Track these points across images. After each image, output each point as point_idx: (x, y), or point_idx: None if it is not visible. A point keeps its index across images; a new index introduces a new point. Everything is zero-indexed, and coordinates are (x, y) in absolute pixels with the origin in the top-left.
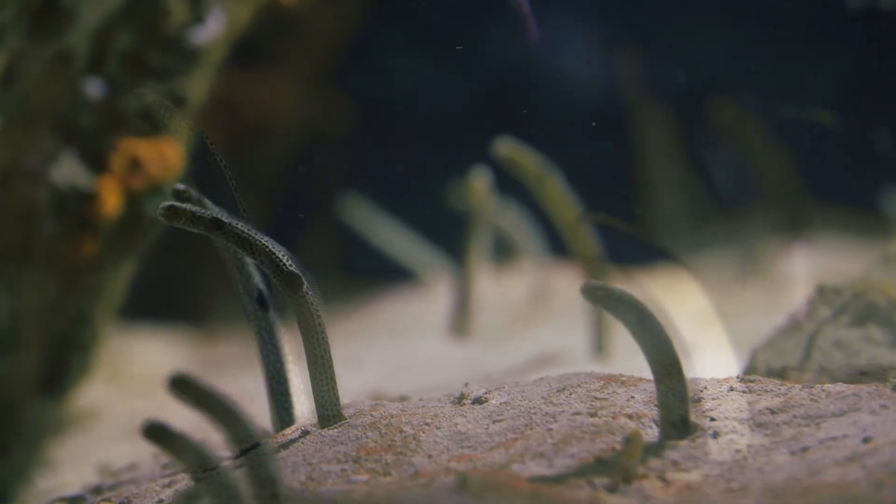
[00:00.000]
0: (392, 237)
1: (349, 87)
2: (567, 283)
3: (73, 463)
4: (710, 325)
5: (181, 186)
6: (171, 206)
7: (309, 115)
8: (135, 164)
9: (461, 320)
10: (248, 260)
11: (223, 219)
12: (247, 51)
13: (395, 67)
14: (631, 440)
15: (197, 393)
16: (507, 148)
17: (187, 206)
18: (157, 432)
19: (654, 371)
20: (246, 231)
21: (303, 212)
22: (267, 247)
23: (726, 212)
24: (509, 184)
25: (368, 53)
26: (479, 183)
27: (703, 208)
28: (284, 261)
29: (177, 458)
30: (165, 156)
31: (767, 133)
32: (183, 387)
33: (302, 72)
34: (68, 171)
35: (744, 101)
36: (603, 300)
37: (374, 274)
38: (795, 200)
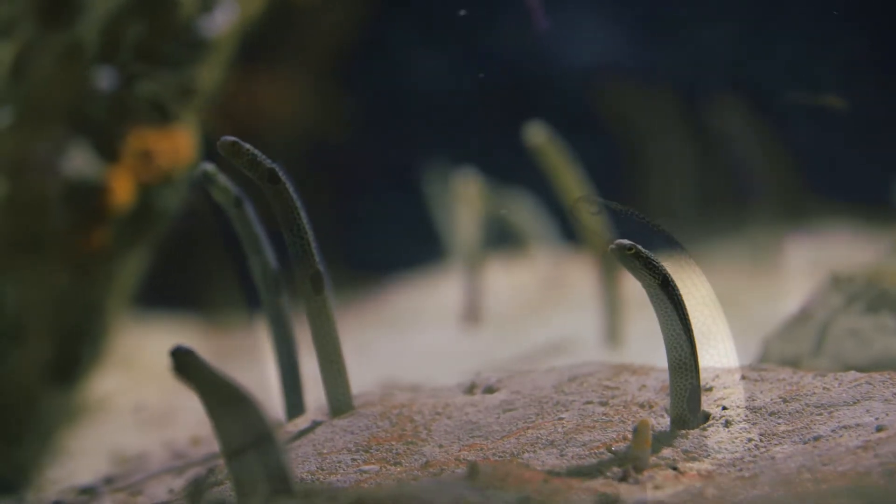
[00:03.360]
0: (453, 217)
1: (354, 84)
2: (580, 273)
3: (85, 452)
4: (715, 315)
5: (209, 166)
6: (234, 143)
7: (312, 112)
8: (146, 156)
9: (473, 309)
10: (266, 245)
11: (280, 174)
12: (248, 50)
13: (400, 62)
14: (639, 430)
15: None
16: (536, 135)
17: (249, 146)
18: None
19: (667, 342)
20: (295, 201)
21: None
22: (308, 231)
23: (734, 203)
24: (522, 173)
25: (374, 49)
26: (469, 187)
27: (711, 199)
28: (316, 256)
29: (202, 393)
30: (177, 147)
31: (768, 130)
32: (186, 364)
33: (305, 70)
34: (79, 162)
35: (747, 97)
36: (629, 261)
37: (375, 269)
38: (794, 195)
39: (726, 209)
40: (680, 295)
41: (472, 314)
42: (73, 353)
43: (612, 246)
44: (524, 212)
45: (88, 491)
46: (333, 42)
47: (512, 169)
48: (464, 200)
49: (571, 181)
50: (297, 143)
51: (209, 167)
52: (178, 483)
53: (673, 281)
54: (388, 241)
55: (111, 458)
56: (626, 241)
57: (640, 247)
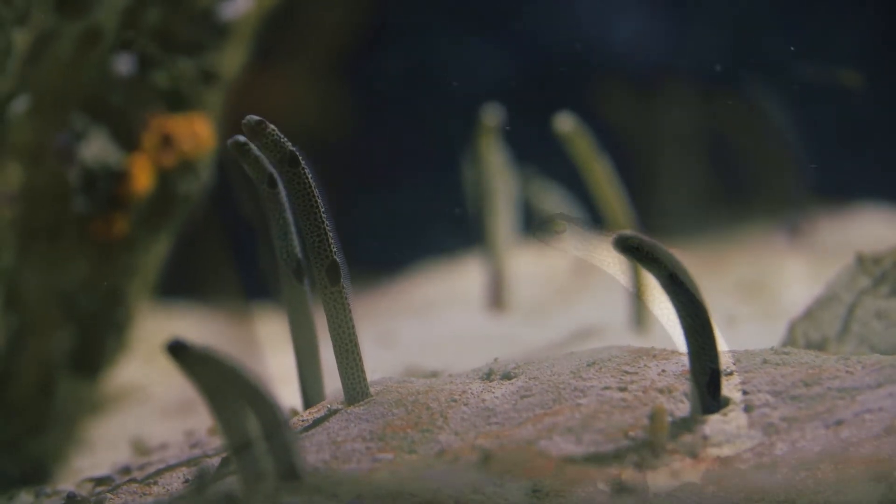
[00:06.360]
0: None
1: (357, 79)
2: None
3: (109, 442)
4: None
5: (242, 139)
6: (260, 121)
7: (315, 109)
8: (166, 141)
9: (499, 295)
10: (292, 228)
11: (301, 158)
12: (258, 43)
13: (414, 48)
14: (655, 416)
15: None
16: (566, 124)
17: (274, 128)
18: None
19: (685, 328)
20: (314, 188)
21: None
22: (325, 220)
23: (735, 196)
24: (551, 163)
25: (386, 36)
26: (490, 120)
27: (712, 192)
28: (332, 246)
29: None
30: (197, 132)
31: (770, 126)
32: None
33: (308, 67)
34: (99, 149)
35: (750, 93)
36: (634, 252)
37: (403, 257)
38: (793, 192)
39: (727, 203)
40: (692, 279)
41: (497, 300)
42: (96, 342)
43: (614, 239)
44: (553, 198)
45: (104, 481)
46: (343, 32)
47: (538, 156)
48: (485, 134)
49: (599, 169)
50: (313, 138)
51: (241, 138)
52: (193, 473)
53: (682, 266)
54: (418, 229)
55: (132, 445)
56: (627, 233)
57: (642, 237)
